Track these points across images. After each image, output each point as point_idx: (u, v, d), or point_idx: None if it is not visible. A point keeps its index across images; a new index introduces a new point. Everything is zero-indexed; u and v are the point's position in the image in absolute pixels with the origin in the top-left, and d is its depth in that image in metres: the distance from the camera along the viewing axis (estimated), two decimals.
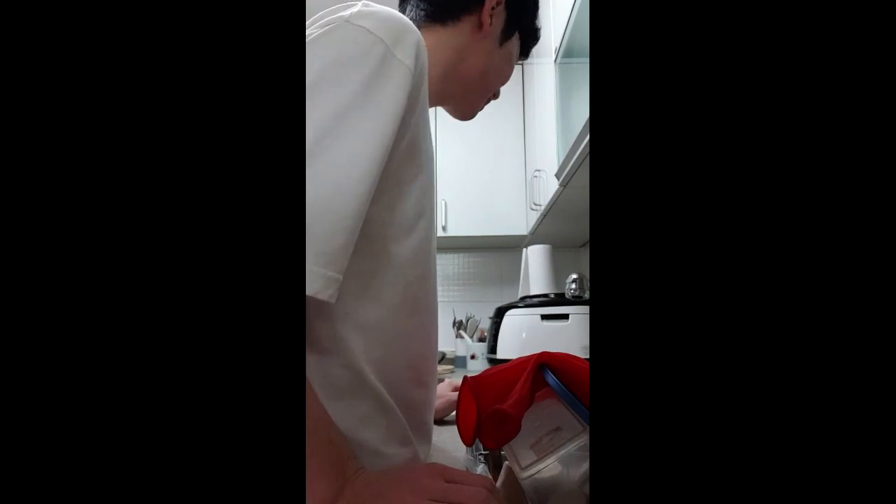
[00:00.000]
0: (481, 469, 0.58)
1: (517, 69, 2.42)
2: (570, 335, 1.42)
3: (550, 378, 0.45)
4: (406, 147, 0.47)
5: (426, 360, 0.54)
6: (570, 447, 0.42)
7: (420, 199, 0.50)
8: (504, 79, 0.65)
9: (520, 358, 0.49)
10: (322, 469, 0.38)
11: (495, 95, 0.68)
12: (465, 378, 0.49)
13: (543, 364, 0.46)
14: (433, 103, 0.63)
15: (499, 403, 0.43)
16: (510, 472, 0.49)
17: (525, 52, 0.67)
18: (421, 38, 0.46)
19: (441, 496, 0.38)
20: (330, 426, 0.41)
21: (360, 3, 0.46)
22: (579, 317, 1.43)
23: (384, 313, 0.48)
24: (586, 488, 0.42)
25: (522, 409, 0.43)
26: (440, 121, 2.41)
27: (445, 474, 0.40)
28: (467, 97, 0.65)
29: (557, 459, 0.43)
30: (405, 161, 0.47)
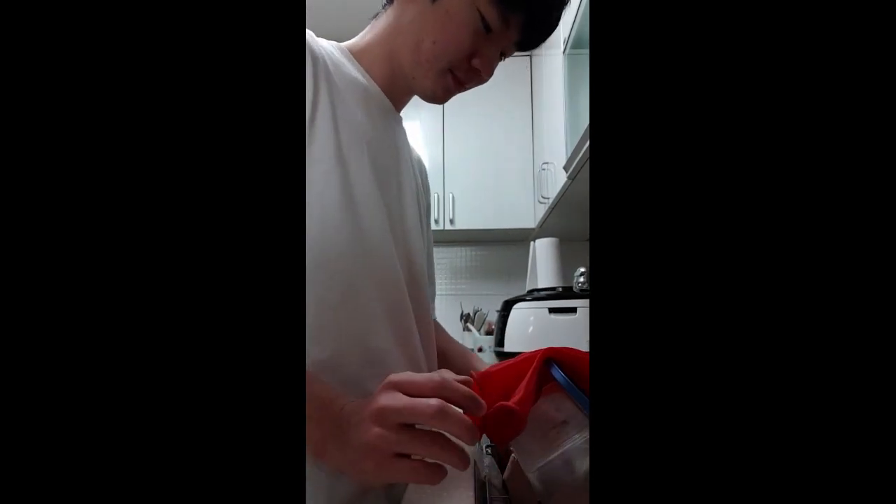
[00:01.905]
0: (488, 462, 0.58)
1: (525, 60, 2.40)
2: (578, 329, 1.41)
3: (557, 373, 0.45)
4: (311, 129, 0.48)
5: (388, 353, 0.52)
6: (577, 441, 0.42)
7: (328, 183, 0.49)
8: (448, 41, 0.54)
9: (526, 353, 0.49)
10: (309, 417, 0.40)
11: (475, 73, 0.57)
12: (471, 374, 0.49)
13: (550, 359, 0.46)
14: (401, 91, 0.62)
15: (505, 399, 0.43)
16: (517, 465, 0.49)
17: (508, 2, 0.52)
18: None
19: (401, 418, 0.38)
20: (308, 381, 0.43)
21: None
22: (587, 310, 1.43)
23: (316, 310, 0.47)
24: None
25: (528, 406, 0.43)
26: (448, 114, 2.40)
27: (401, 387, 0.39)
28: (415, 73, 0.57)
29: (564, 453, 0.43)
30: (310, 145, 0.48)
